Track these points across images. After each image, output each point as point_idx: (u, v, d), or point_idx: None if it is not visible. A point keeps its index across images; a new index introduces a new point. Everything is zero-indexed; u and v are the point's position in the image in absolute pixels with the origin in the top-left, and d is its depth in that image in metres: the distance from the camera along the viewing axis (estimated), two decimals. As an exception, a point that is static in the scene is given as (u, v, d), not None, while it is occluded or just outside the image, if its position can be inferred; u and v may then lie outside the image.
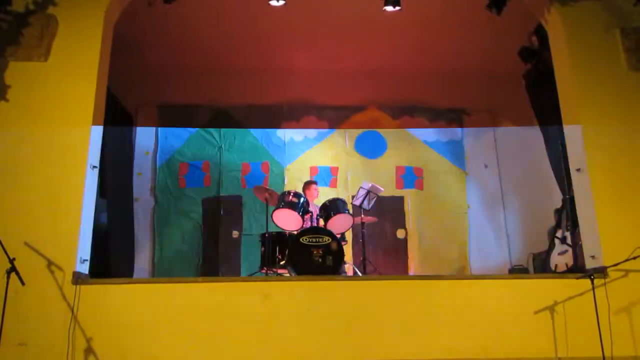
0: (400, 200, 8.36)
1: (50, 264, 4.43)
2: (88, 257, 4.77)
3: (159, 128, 8.22)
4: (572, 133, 5.36)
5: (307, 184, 6.84)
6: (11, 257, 3.93)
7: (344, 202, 6.26)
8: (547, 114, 6.22)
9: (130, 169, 7.91)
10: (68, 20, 5.14)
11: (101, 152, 5.15)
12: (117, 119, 6.92)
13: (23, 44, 5.00)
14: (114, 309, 4.50)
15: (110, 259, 6.23)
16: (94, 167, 4.96)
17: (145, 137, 8.16)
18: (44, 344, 4.30)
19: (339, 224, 6.10)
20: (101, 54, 5.14)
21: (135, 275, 7.27)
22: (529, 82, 6.72)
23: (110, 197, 6.54)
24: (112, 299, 4.56)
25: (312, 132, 8.52)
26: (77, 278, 4.48)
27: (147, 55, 7.45)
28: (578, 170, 5.20)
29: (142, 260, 7.68)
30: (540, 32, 6.07)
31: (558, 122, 5.61)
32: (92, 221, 4.92)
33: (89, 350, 4.31)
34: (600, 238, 4.84)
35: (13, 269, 3.91)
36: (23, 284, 3.93)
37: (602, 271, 4.64)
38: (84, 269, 4.68)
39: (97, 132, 5.07)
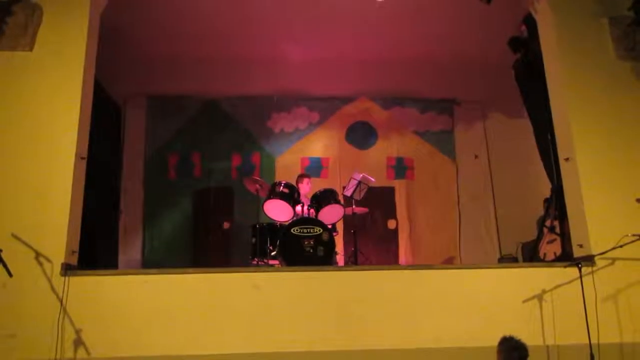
0: (391, 190, 8.37)
1: (38, 255, 4.42)
2: (77, 248, 4.75)
3: (148, 119, 8.15)
4: (561, 123, 5.39)
5: (300, 177, 6.82)
6: (-2, 249, 3.91)
7: (335, 193, 6.25)
8: (536, 103, 6.23)
9: (119, 160, 7.85)
10: (53, 9, 5.09)
11: (89, 143, 5.10)
12: (105, 109, 6.85)
13: (7, 34, 4.95)
14: (104, 300, 4.50)
15: (94, 251, 6.17)
16: (82, 158, 4.92)
17: (134, 127, 8.10)
18: (33, 335, 4.29)
19: (330, 214, 6.09)
20: (88, 43, 5.09)
21: (124, 267, 7.24)
22: (518, 72, 6.73)
23: (98, 188, 6.48)
24: (102, 290, 4.55)
25: (302, 123, 8.49)
26: (66, 269, 4.46)
27: (136, 45, 7.38)
28: (567, 159, 5.23)
29: (132, 251, 7.65)
30: (529, 22, 6.07)
31: (547, 111, 5.63)
32: (81, 212, 4.89)
33: (78, 342, 4.30)
34: (588, 227, 4.89)
35: (0, 260, 3.89)
36: (11, 275, 3.90)
37: (589, 259, 4.69)
38: (73, 260, 4.66)
39: (85, 122, 5.03)
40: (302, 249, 5.54)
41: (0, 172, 4.68)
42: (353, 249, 6.58)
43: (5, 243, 4.12)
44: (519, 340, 3.56)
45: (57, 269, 4.46)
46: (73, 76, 4.94)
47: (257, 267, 5.76)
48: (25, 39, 4.96)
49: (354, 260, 6.48)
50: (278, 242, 5.75)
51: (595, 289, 4.50)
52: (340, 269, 5.92)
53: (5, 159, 4.71)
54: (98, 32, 5.34)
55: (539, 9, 5.67)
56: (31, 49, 4.98)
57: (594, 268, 4.70)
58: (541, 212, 6.57)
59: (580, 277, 4.43)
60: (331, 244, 5.67)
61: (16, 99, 4.86)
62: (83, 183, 4.97)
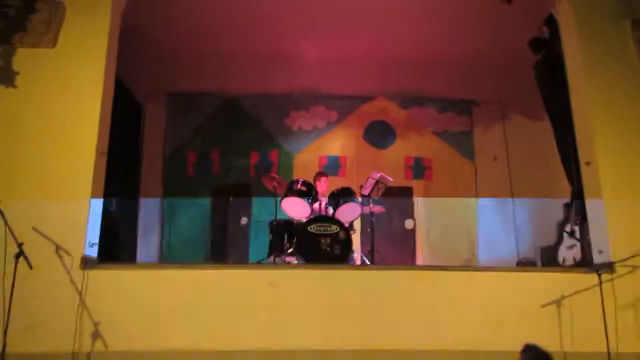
0: (408, 190, 8.33)
1: (58, 248, 4.47)
2: (97, 241, 4.80)
3: (168, 116, 8.22)
4: (582, 125, 5.31)
5: (318, 176, 6.82)
6: (20, 242, 3.97)
7: (352, 192, 6.25)
8: (557, 105, 6.15)
9: (139, 156, 7.93)
10: (76, 6, 5.15)
11: (110, 139, 5.16)
12: (126, 106, 6.92)
13: (30, 31, 5.01)
14: (123, 294, 4.54)
15: (113, 245, 6.24)
16: (103, 153, 4.98)
17: (154, 124, 8.18)
18: (53, 327, 4.34)
19: (348, 213, 6.09)
20: (109, 40, 5.14)
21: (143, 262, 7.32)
22: (539, 73, 6.64)
23: (118, 184, 6.55)
24: (121, 284, 4.60)
25: (321, 122, 8.49)
26: (86, 262, 4.52)
27: (157, 43, 7.44)
28: (587, 163, 5.16)
29: (151, 247, 7.73)
30: (551, 23, 6.00)
31: (568, 114, 5.56)
32: (101, 207, 4.95)
33: (96, 335, 4.35)
34: (608, 233, 4.81)
35: (21, 253, 3.96)
36: (31, 268, 3.97)
37: (609, 266, 4.61)
38: (93, 253, 4.72)
39: (106, 119, 5.08)
40: (319, 247, 5.54)
41: (22, 166, 4.75)
42: (370, 248, 6.57)
43: (26, 236, 4.16)
44: (543, 349, 3.42)
45: (77, 262, 4.50)
46: (95, 73, 4.99)
47: (274, 264, 5.78)
48: (48, 35, 5.01)
49: (371, 260, 6.47)
50: (295, 240, 5.76)
51: (615, 296, 4.43)
52: (356, 267, 5.92)
53: (28, 154, 4.77)
54: (119, 29, 5.38)
55: (560, 10, 5.60)
56: (54, 46, 5.03)
57: (614, 275, 4.61)
58: (561, 216, 6.49)
59: (600, 283, 4.36)
60: (348, 242, 5.66)
61: (39, 94, 4.92)
62: (103, 178, 5.02)
